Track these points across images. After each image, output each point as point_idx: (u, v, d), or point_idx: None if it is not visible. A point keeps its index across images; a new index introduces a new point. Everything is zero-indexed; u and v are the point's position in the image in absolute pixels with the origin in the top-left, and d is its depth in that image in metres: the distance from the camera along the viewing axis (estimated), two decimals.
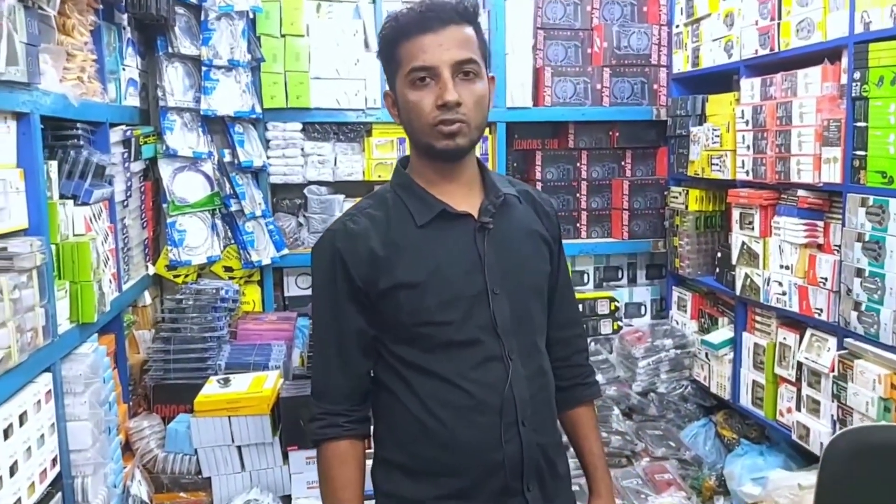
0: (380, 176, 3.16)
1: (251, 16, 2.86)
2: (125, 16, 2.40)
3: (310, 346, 2.70)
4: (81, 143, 2.00)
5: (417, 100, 1.27)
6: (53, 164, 1.85)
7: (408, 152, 3.09)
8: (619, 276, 3.60)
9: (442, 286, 1.30)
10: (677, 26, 3.26)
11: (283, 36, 2.97)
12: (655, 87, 3.38)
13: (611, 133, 3.47)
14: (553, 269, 1.47)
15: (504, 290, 1.34)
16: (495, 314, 1.32)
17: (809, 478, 2.30)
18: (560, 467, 1.43)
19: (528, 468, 1.33)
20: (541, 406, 1.37)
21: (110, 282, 2.13)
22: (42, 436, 1.63)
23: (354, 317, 1.34)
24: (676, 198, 3.23)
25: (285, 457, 2.30)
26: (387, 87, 1.38)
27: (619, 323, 3.41)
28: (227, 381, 2.31)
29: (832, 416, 2.29)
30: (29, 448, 1.56)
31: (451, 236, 1.33)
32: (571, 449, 1.55)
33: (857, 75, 2.14)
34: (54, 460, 1.70)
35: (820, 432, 2.36)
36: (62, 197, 1.90)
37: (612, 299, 3.40)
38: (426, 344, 1.32)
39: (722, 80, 3.09)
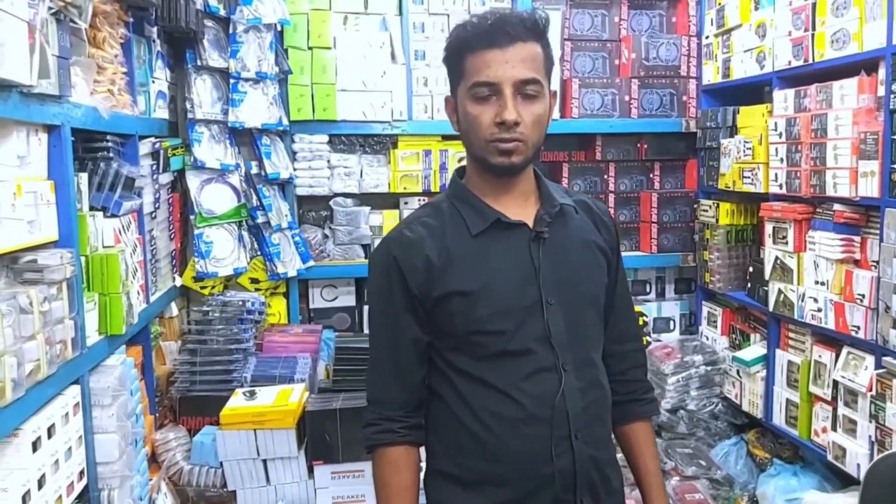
0: (405, 188, 3.15)
1: (279, 28, 2.87)
2: (155, 29, 2.42)
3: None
4: (111, 155, 2.01)
5: (477, 114, 1.27)
6: (84, 177, 1.86)
7: (434, 166, 3.13)
8: (648, 290, 3.54)
9: (495, 296, 1.30)
10: (707, 37, 3.22)
11: (310, 48, 2.98)
12: (685, 98, 3.34)
13: (639, 145, 3.43)
14: (611, 280, 1.45)
15: (559, 300, 1.32)
16: (549, 325, 1.31)
17: (845, 500, 2.24)
18: (615, 481, 1.41)
19: (581, 482, 1.32)
20: (595, 420, 1.35)
21: (138, 293, 2.13)
22: (70, 448, 1.63)
23: (410, 325, 1.35)
24: (706, 211, 3.18)
25: (310, 471, 2.28)
26: (448, 93, 1.38)
27: (648, 338, 3.36)
28: (252, 394, 2.30)
29: (870, 436, 2.23)
30: (56, 461, 1.55)
31: (505, 245, 1.33)
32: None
33: (895, 87, 2.09)
34: (81, 473, 1.69)
35: (857, 453, 2.29)
36: (92, 209, 1.91)
37: (640, 314, 3.35)
38: (478, 352, 1.32)
39: (753, 91, 3.04)
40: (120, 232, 2.01)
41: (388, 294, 1.35)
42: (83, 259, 1.77)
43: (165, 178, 2.54)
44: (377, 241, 3.14)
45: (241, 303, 2.65)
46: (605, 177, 3.43)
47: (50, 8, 1.51)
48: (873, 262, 2.27)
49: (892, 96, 2.10)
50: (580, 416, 1.31)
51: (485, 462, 1.32)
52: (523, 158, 1.29)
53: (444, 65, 1.37)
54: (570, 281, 1.34)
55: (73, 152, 1.75)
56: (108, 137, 2.01)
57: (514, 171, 1.33)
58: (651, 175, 3.48)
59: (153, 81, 2.46)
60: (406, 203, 3.24)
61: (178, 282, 2.70)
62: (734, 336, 3.14)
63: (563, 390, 1.30)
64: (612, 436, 1.46)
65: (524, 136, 1.27)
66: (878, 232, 2.22)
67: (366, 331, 3.25)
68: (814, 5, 2.47)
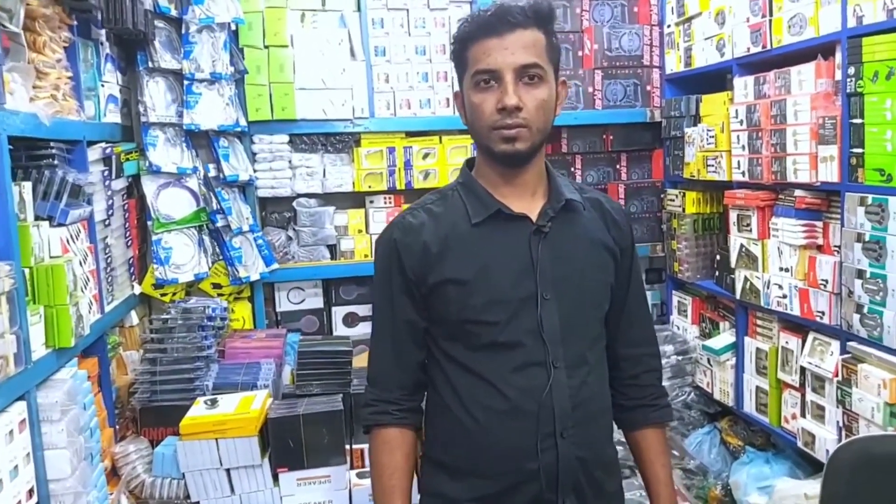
0: (370, 186, 3.11)
1: (233, 27, 2.82)
2: (102, 31, 2.35)
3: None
4: (56, 162, 1.95)
5: (479, 102, 1.28)
6: (27, 186, 1.79)
7: (398, 163, 3.10)
8: None
9: (489, 286, 1.30)
10: (668, 26, 3.21)
11: (266, 47, 2.93)
12: (649, 88, 3.33)
13: (604, 136, 3.42)
14: (621, 281, 1.43)
15: (555, 296, 1.31)
16: (542, 319, 1.30)
17: (816, 487, 2.23)
18: (608, 486, 1.39)
19: (564, 482, 1.30)
20: (587, 420, 1.33)
21: (90, 304, 2.07)
22: (16, 467, 1.57)
23: (407, 308, 1.37)
24: (673, 200, 3.17)
25: (276, 479, 2.23)
26: (457, 88, 1.39)
27: None
28: (214, 402, 2.25)
29: (838, 422, 2.23)
30: (0, 480, 1.50)
31: (504, 237, 1.33)
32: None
33: (851, 71, 2.09)
34: (31, 491, 1.63)
35: (826, 439, 2.30)
36: (37, 218, 1.85)
37: None
38: (471, 342, 1.32)
39: (715, 79, 3.04)
40: (68, 241, 1.95)
41: (388, 276, 1.38)
42: (27, 271, 1.71)
43: (119, 184, 2.48)
44: (343, 241, 3.14)
45: (202, 309, 2.59)
46: (572, 169, 3.41)
47: None
48: (835, 247, 2.27)
49: (848, 80, 2.09)
50: (569, 414, 1.30)
51: (471, 453, 1.33)
52: (528, 145, 1.28)
53: (452, 61, 1.38)
54: (569, 278, 1.33)
55: (16, 160, 1.69)
56: (52, 144, 1.95)
57: (520, 159, 1.31)
58: (618, 166, 3.47)
59: (102, 85, 2.39)
60: (371, 202, 3.20)
61: (137, 290, 2.64)
62: (704, 325, 3.14)
63: (552, 386, 1.29)
64: (611, 438, 1.43)
65: (527, 121, 1.26)
66: (839, 217, 2.21)
67: (335, 332, 3.21)
68: None
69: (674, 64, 3.18)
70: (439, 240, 1.33)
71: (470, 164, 1.45)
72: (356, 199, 3.22)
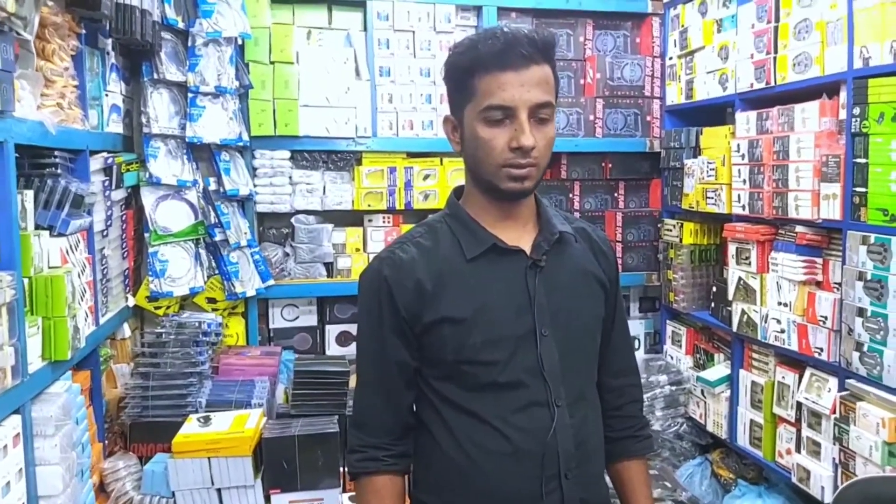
0: (369, 205, 3.10)
1: (240, 42, 2.81)
2: (109, 41, 2.34)
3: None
4: (59, 171, 1.92)
5: (490, 138, 1.22)
6: (29, 194, 1.77)
7: (399, 183, 3.08)
8: None
9: (488, 324, 1.25)
10: (671, 58, 3.24)
11: (272, 63, 2.92)
12: (649, 118, 3.35)
13: (603, 164, 3.43)
14: (608, 312, 1.40)
15: (553, 332, 1.27)
16: (542, 357, 1.26)
17: None
18: None
19: None
20: (586, 459, 1.30)
21: (86, 316, 2.04)
22: (8, 483, 1.53)
23: (398, 348, 1.30)
24: (670, 230, 3.18)
25: (267, 500, 2.20)
26: (448, 112, 1.32)
27: None
28: (207, 420, 2.21)
29: (833, 459, 2.22)
30: None
31: (500, 272, 1.28)
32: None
33: (856, 111, 2.11)
34: None
35: (821, 476, 2.29)
36: (37, 228, 1.82)
37: None
38: (468, 383, 1.27)
39: (716, 112, 3.06)
40: (67, 251, 1.92)
41: (378, 315, 1.30)
42: (26, 281, 1.67)
43: (119, 195, 2.45)
44: (340, 260, 3.12)
45: (196, 324, 2.56)
46: (571, 195, 3.42)
47: None
48: (835, 283, 2.28)
49: (853, 120, 2.12)
50: (572, 455, 1.26)
51: (469, 497, 1.27)
52: (534, 183, 1.25)
53: (447, 83, 1.31)
54: (565, 312, 1.30)
55: (19, 168, 1.67)
56: (57, 153, 1.92)
57: (524, 196, 1.29)
58: (616, 194, 3.49)
59: (106, 95, 2.38)
60: (370, 220, 3.19)
61: (132, 302, 2.60)
62: (698, 356, 3.14)
63: (556, 427, 1.24)
64: (605, 476, 1.41)
65: (537, 160, 1.23)
66: (840, 254, 2.23)
67: (328, 352, 3.18)
68: (776, 29, 2.49)
69: (675, 96, 3.21)
70: (433, 276, 1.27)
71: (457, 192, 1.38)
72: (355, 218, 3.21)
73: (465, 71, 1.24)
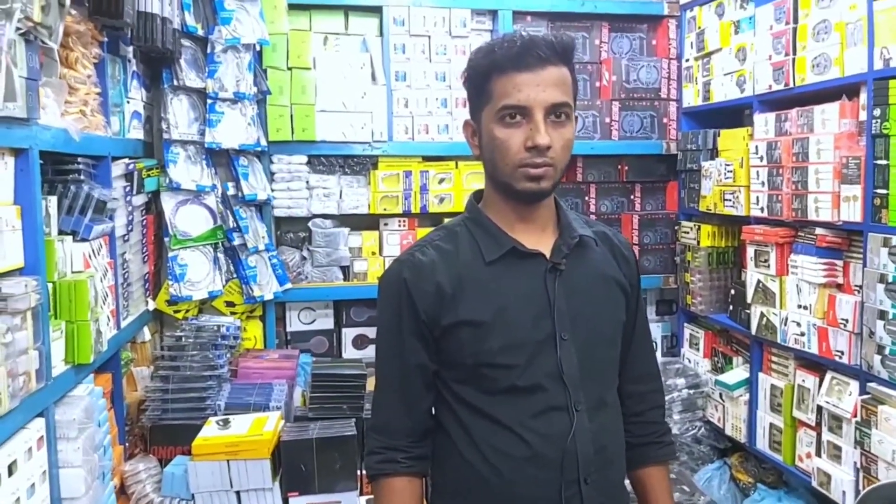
0: (385, 209, 3.11)
1: (258, 48, 2.83)
2: (130, 48, 2.37)
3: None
4: (82, 177, 1.95)
5: (505, 138, 1.22)
6: (53, 200, 1.79)
7: (414, 187, 3.09)
8: None
9: (507, 328, 1.25)
10: (687, 60, 3.23)
11: (289, 69, 2.94)
12: (665, 120, 3.34)
13: (620, 167, 3.42)
14: (629, 317, 1.40)
15: (573, 336, 1.27)
16: (562, 361, 1.26)
17: None
18: None
19: None
20: (606, 464, 1.29)
21: (108, 319, 2.06)
22: (33, 485, 1.55)
23: (417, 351, 1.30)
24: (688, 233, 3.17)
25: (285, 503, 2.21)
26: (468, 117, 1.33)
27: None
28: (226, 423, 2.23)
29: (855, 463, 2.20)
30: (18, 499, 1.48)
31: (520, 275, 1.28)
32: None
33: (876, 112, 2.09)
34: None
35: (842, 480, 2.27)
36: (61, 233, 1.84)
37: None
38: (487, 386, 1.27)
39: (733, 114, 3.05)
40: (90, 256, 1.94)
41: (397, 318, 1.30)
42: (50, 286, 1.70)
43: (139, 200, 2.48)
44: (356, 263, 3.13)
45: (215, 327, 2.58)
46: (587, 198, 3.41)
47: (18, 28, 1.46)
48: (856, 286, 2.26)
49: (873, 121, 2.10)
50: (592, 460, 1.26)
51: (487, 502, 1.27)
52: (552, 184, 1.25)
53: (466, 88, 1.32)
54: (585, 316, 1.29)
55: (43, 175, 1.69)
56: (80, 159, 1.95)
57: (541, 198, 1.28)
58: (632, 197, 3.47)
59: (128, 102, 2.40)
60: (386, 224, 3.20)
61: (152, 306, 2.63)
62: (716, 359, 3.12)
63: (575, 432, 1.24)
64: (626, 481, 1.40)
65: (554, 160, 1.22)
66: (860, 256, 2.21)
67: (344, 355, 3.20)
68: (794, 30, 2.48)
69: (691, 98, 3.20)
70: (453, 279, 1.27)
71: (477, 196, 1.39)
72: (371, 222, 3.22)
73: (483, 74, 1.25)
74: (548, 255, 1.30)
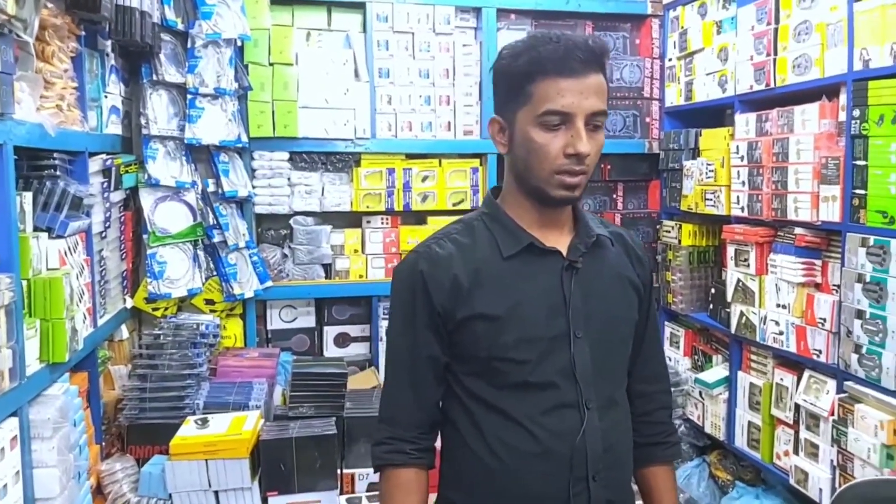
0: (368, 207, 3.10)
1: (239, 44, 2.81)
2: (109, 42, 2.33)
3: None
4: (58, 173, 1.92)
5: (545, 143, 1.21)
6: (28, 196, 1.76)
7: (397, 184, 3.08)
8: None
9: (521, 323, 1.25)
10: (670, 60, 3.24)
11: (271, 64, 2.92)
12: (648, 120, 3.36)
13: (602, 165, 3.43)
14: (641, 318, 1.40)
15: (587, 334, 1.27)
16: (575, 359, 1.26)
17: None
18: None
19: None
20: (614, 462, 1.29)
21: (84, 317, 2.03)
22: (5, 486, 1.53)
23: (430, 343, 1.30)
24: (669, 232, 3.18)
25: (265, 502, 2.19)
26: (494, 114, 1.31)
27: None
28: (204, 422, 2.21)
29: (832, 461, 2.23)
30: None
31: (536, 272, 1.28)
32: None
33: (856, 113, 2.11)
34: None
35: (819, 478, 2.29)
36: (36, 230, 1.81)
37: None
38: (499, 381, 1.27)
39: (715, 114, 3.07)
40: (66, 253, 1.91)
41: (411, 309, 1.30)
42: (24, 283, 1.67)
43: (117, 196, 2.45)
44: (338, 261, 3.12)
45: (194, 326, 2.56)
46: None
47: None
48: (834, 286, 2.28)
49: (853, 122, 2.12)
50: (600, 457, 1.26)
51: (496, 496, 1.27)
52: (582, 192, 1.25)
53: (497, 85, 1.30)
54: (600, 315, 1.29)
55: (17, 170, 1.66)
56: (56, 155, 1.92)
57: (570, 204, 1.29)
58: (614, 196, 3.49)
59: (106, 96, 2.37)
60: (368, 222, 3.18)
61: (130, 303, 2.60)
62: (696, 357, 3.14)
63: (585, 429, 1.25)
64: (632, 479, 1.41)
65: (588, 168, 1.22)
66: (839, 256, 2.23)
67: (325, 352, 3.18)
68: (776, 31, 2.49)
69: (674, 97, 3.21)
70: (470, 273, 1.27)
71: (495, 192, 1.38)
72: (353, 219, 3.20)
73: (523, 74, 1.22)
74: (565, 253, 1.30)
